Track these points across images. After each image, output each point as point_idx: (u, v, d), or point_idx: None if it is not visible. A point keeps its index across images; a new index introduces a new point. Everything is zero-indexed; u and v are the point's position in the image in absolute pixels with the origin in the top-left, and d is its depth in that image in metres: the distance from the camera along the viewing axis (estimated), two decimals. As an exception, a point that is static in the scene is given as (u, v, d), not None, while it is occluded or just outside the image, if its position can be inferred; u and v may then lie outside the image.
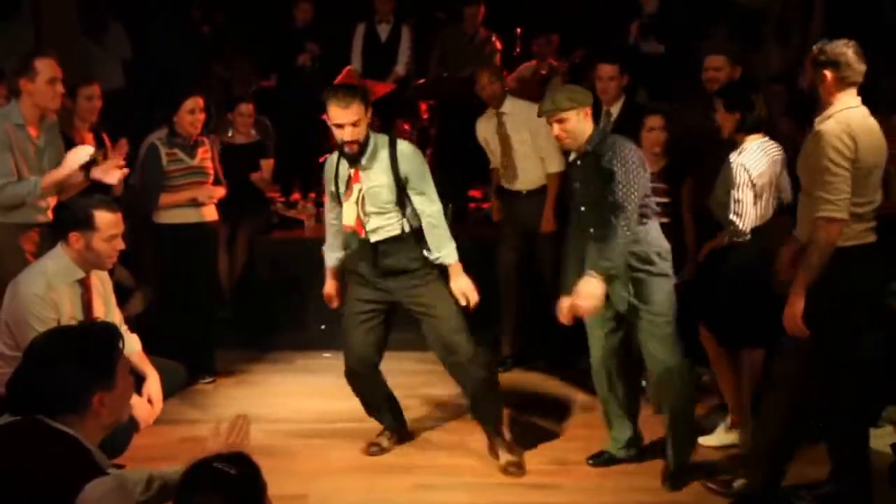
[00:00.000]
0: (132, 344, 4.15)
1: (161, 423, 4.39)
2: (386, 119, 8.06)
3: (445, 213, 4.60)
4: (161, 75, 7.20)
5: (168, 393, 4.25)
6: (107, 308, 4.22)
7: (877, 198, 3.89)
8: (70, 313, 3.96)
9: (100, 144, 5.49)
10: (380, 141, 4.44)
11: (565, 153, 4.95)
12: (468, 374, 4.59)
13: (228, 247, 6.48)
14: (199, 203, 5.62)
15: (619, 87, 5.90)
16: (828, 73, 3.84)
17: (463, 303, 4.49)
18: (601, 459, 4.71)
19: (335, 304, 4.79)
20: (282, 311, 6.52)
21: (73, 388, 2.50)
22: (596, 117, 5.88)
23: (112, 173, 4.92)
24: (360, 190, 4.41)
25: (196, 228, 5.63)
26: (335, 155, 4.55)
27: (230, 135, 6.70)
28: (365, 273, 4.56)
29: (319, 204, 6.77)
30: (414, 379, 5.71)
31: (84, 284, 4.06)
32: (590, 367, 4.65)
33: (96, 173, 4.87)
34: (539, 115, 4.41)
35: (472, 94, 6.38)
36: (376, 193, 4.41)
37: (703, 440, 4.83)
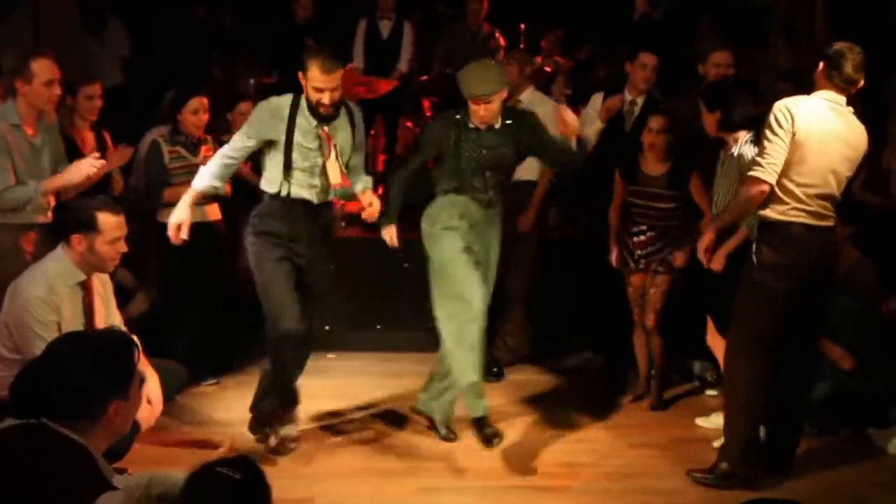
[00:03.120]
0: (139, 346, 4.12)
1: (162, 426, 4.39)
2: (389, 117, 8.05)
3: None
4: (162, 73, 7.16)
5: (169, 395, 4.25)
6: (107, 310, 4.21)
7: (826, 191, 4.18)
8: (71, 316, 3.96)
9: (100, 143, 5.46)
10: None
11: None
12: (303, 347, 4.63)
13: (231, 246, 6.43)
14: (203, 200, 5.58)
15: (654, 77, 5.89)
16: (821, 64, 4.18)
17: (367, 213, 4.61)
18: None
19: (183, 234, 4.52)
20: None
21: (92, 394, 2.49)
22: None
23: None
24: (335, 146, 4.47)
25: (199, 227, 5.53)
26: (283, 100, 4.51)
27: (231, 134, 6.64)
28: (292, 234, 4.53)
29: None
30: (417, 380, 5.68)
31: (85, 287, 4.06)
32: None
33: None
34: (467, 97, 4.58)
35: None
36: (342, 150, 4.52)
37: (700, 421, 5.03)
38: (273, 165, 4.53)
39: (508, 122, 4.72)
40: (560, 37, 8.30)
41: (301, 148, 4.46)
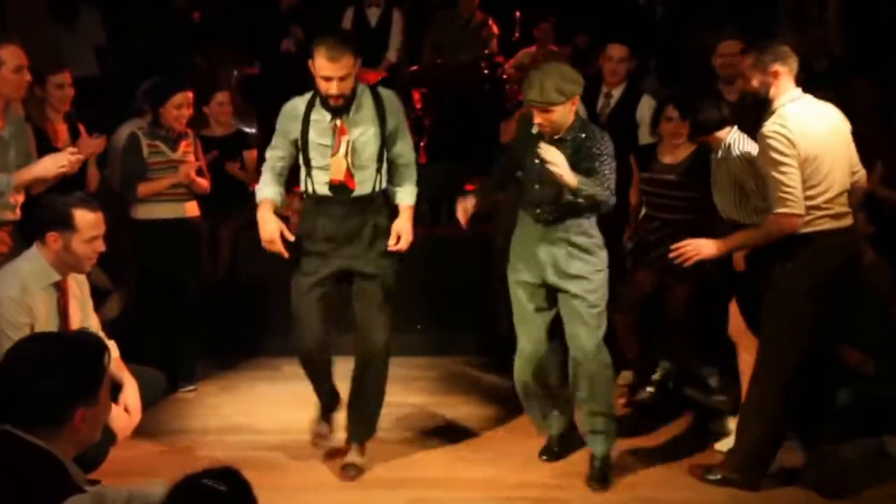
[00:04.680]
0: (110, 350, 4.12)
1: (140, 435, 4.39)
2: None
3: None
4: (138, 62, 7.16)
5: (147, 402, 4.22)
6: (84, 313, 4.20)
7: (843, 186, 4.24)
8: (45, 318, 3.94)
9: (74, 136, 5.46)
10: (360, 89, 4.44)
11: None
12: (370, 362, 4.61)
13: (210, 245, 6.45)
14: (180, 196, 5.62)
15: (627, 70, 5.92)
16: (777, 67, 4.24)
17: (392, 242, 4.44)
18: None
19: (281, 248, 4.38)
20: (268, 314, 6.48)
21: (56, 399, 2.47)
22: (591, 98, 5.98)
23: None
24: (348, 142, 4.38)
25: (176, 225, 5.61)
26: (301, 99, 4.48)
27: (209, 128, 6.64)
28: (321, 237, 4.49)
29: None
30: (409, 385, 5.72)
31: (60, 288, 4.05)
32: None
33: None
34: (524, 101, 4.40)
35: (468, 82, 6.36)
36: (364, 144, 4.42)
37: (720, 445, 4.92)
38: (300, 163, 4.52)
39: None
40: (553, 24, 8.32)
41: (316, 145, 4.42)
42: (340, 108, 4.34)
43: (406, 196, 4.57)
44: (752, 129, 4.42)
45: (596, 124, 5.80)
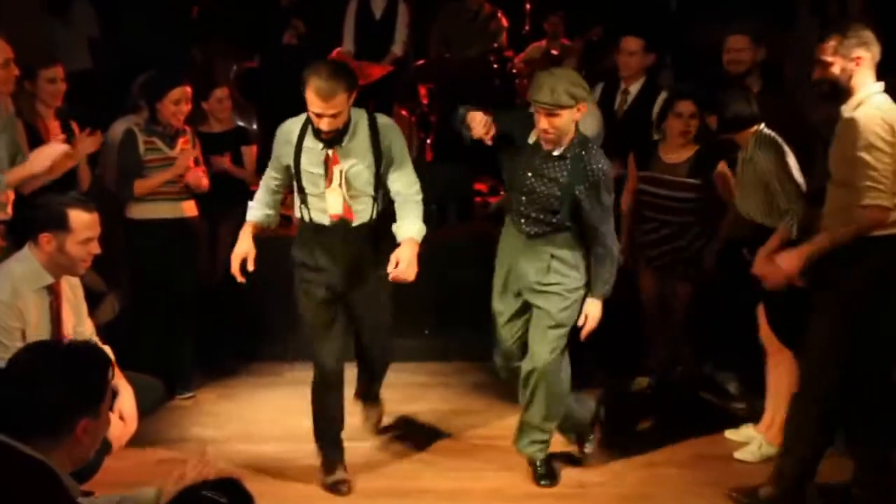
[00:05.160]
0: (113, 364, 4.08)
1: (136, 444, 4.34)
2: (382, 105, 7.99)
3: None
4: (133, 56, 7.10)
5: (144, 410, 4.20)
6: (77, 318, 4.17)
7: None
8: (37, 322, 3.92)
9: (67, 132, 5.39)
10: (357, 116, 4.39)
11: None
12: (374, 366, 4.88)
13: (209, 246, 6.39)
14: (177, 195, 5.57)
15: (641, 64, 5.87)
16: (860, 53, 3.99)
17: (391, 267, 4.25)
18: None
19: (248, 265, 4.49)
20: (268, 318, 6.45)
21: (60, 409, 2.48)
22: (610, 95, 5.92)
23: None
24: (341, 172, 4.35)
25: (173, 225, 5.57)
26: (296, 122, 4.44)
27: (208, 125, 6.57)
28: (319, 265, 4.49)
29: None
30: (416, 392, 5.67)
31: (53, 291, 4.02)
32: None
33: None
34: (530, 101, 4.34)
35: (476, 77, 6.30)
36: (357, 174, 4.38)
37: (739, 454, 4.89)
38: (294, 190, 4.51)
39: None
40: (564, 17, 8.27)
41: (308, 174, 4.40)
42: (334, 139, 4.31)
43: (409, 228, 4.39)
44: (827, 118, 4.29)
45: (613, 122, 5.78)
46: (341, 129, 4.28)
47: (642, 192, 5.45)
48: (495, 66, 7.94)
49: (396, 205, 4.45)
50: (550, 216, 4.39)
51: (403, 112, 8.08)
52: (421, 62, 8.20)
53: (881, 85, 4.04)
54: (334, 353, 4.57)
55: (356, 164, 4.35)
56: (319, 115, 4.20)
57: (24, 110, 5.22)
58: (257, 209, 4.62)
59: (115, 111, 6.16)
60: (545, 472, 4.68)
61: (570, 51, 8.01)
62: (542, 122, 4.25)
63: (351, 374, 4.86)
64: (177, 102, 5.49)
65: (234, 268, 4.50)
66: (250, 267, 4.50)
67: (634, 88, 5.96)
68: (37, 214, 4.02)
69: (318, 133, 4.30)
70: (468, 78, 7.72)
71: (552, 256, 4.43)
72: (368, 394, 5.09)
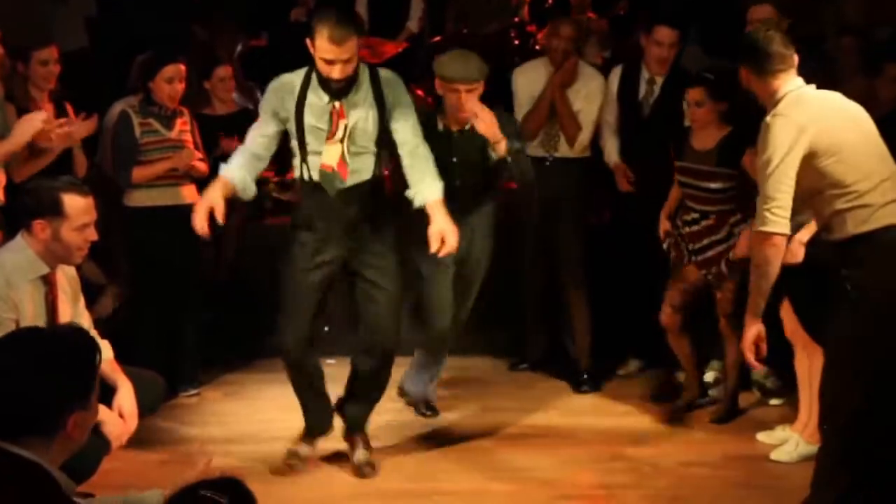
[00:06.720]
0: (104, 351, 4.11)
1: (136, 444, 4.38)
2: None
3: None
4: (132, 35, 7.14)
5: (145, 408, 4.23)
6: (74, 310, 4.20)
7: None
8: (31, 314, 3.94)
9: (62, 116, 5.44)
10: (360, 69, 4.47)
11: None
12: (373, 359, 4.71)
13: (213, 237, 6.42)
14: (177, 181, 5.61)
15: (674, 55, 5.82)
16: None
17: (435, 247, 4.39)
18: None
19: (202, 219, 4.41)
20: (276, 311, 6.45)
21: (50, 406, 2.46)
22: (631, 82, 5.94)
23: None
24: (346, 127, 4.42)
25: (174, 212, 5.52)
26: (296, 75, 4.51)
27: (211, 106, 6.60)
28: (317, 226, 4.53)
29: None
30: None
31: (48, 282, 4.04)
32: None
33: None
34: (445, 83, 4.75)
35: (496, 54, 6.30)
36: (362, 129, 4.46)
37: (775, 455, 4.90)
38: (294, 147, 4.55)
39: None
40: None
41: (313, 129, 4.45)
42: (342, 90, 4.37)
43: (428, 191, 4.48)
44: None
45: (638, 114, 5.80)
46: (351, 77, 4.36)
47: (681, 184, 5.44)
48: (516, 42, 7.93)
49: (404, 160, 4.51)
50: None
51: (419, 92, 8.08)
52: (437, 39, 8.19)
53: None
54: (297, 332, 4.58)
55: (361, 118, 4.44)
56: (331, 62, 4.26)
57: (17, 94, 5.25)
58: (234, 170, 4.53)
59: (112, 94, 6.21)
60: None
61: (594, 26, 7.98)
62: (465, 99, 4.70)
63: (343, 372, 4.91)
64: (170, 80, 5.52)
65: (199, 220, 4.41)
66: (219, 219, 4.46)
67: (661, 78, 5.90)
68: (29, 200, 4.02)
69: (325, 84, 4.36)
70: (488, 55, 7.71)
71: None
72: (357, 419, 4.90)
